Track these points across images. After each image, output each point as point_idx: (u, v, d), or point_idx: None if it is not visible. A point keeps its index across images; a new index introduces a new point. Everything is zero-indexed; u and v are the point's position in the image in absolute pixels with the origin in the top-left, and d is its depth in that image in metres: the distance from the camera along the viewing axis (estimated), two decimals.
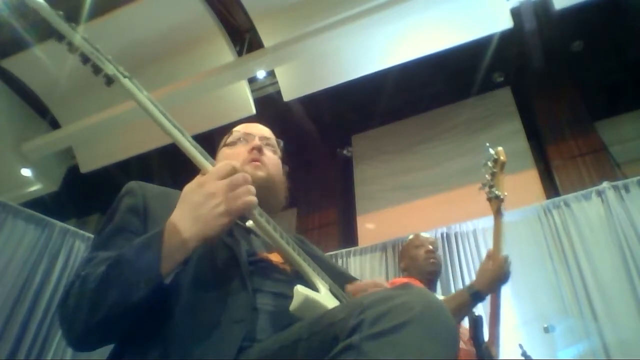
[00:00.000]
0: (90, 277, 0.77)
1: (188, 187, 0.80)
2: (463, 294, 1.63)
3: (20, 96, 4.45)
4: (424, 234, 2.22)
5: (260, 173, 1.04)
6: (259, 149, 1.07)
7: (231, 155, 1.08)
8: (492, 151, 1.78)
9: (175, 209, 0.79)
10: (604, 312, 2.86)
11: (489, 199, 1.74)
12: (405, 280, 2.00)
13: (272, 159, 1.11)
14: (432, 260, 2.06)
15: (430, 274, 2.05)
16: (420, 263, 2.05)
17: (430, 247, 2.10)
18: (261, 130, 1.17)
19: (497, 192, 1.72)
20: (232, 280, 0.84)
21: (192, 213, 0.76)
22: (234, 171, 0.79)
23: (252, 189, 0.79)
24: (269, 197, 1.03)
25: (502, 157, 1.75)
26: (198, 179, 0.81)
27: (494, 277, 1.61)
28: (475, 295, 1.59)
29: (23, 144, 4.42)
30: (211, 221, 0.76)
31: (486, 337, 1.75)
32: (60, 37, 0.77)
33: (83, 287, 0.77)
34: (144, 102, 0.81)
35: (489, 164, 1.77)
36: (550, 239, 3.29)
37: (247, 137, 1.12)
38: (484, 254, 3.43)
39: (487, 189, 1.74)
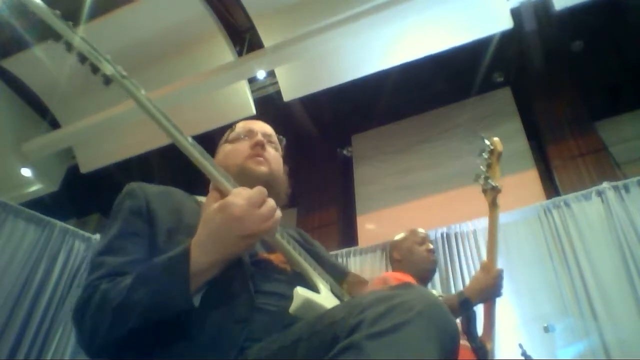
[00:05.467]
0: (110, 294, 0.77)
1: (210, 211, 0.79)
2: (452, 299, 1.60)
3: (20, 96, 4.44)
4: (423, 231, 2.21)
5: (263, 168, 1.04)
6: (262, 145, 1.08)
7: (233, 151, 1.08)
8: (487, 142, 1.74)
9: (197, 231, 0.79)
10: (604, 312, 2.85)
11: (484, 191, 1.69)
12: (399, 275, 2.01)
13: (275, 156, 1.11)
14: (433, 258, 2.09)
15: (430, 272, 2.08)
16: (422, 260, 2.06)
17: (431, 246, 2.13)
18: (263, 127, 1.17)
19: (493, 183, 1.67)
20: (234, 280, 0.84)
21: (218, 237, 0.76)
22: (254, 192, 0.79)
23: (272, 202, 0.79)
24: (271, 194, 1.02)
25: (498, 148, 1.71)
26: (219, 200, 0.79)
27: (486, 289, 1.56)
28: (464, 302, 1.55)
29: (23, 144, 4.41)
30: (239, 243, 0.76)
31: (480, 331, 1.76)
32: (57, 37, 0.76)
33: (104, 303, 0.77)
34: (141, 102, 0.80)
35: (485, 155, 1.73)
36: (550, 239, 3.28)
37: (249, 133, 1.12)
38: (484, 255, 3.44)
39: (482, 181, 1.70)
